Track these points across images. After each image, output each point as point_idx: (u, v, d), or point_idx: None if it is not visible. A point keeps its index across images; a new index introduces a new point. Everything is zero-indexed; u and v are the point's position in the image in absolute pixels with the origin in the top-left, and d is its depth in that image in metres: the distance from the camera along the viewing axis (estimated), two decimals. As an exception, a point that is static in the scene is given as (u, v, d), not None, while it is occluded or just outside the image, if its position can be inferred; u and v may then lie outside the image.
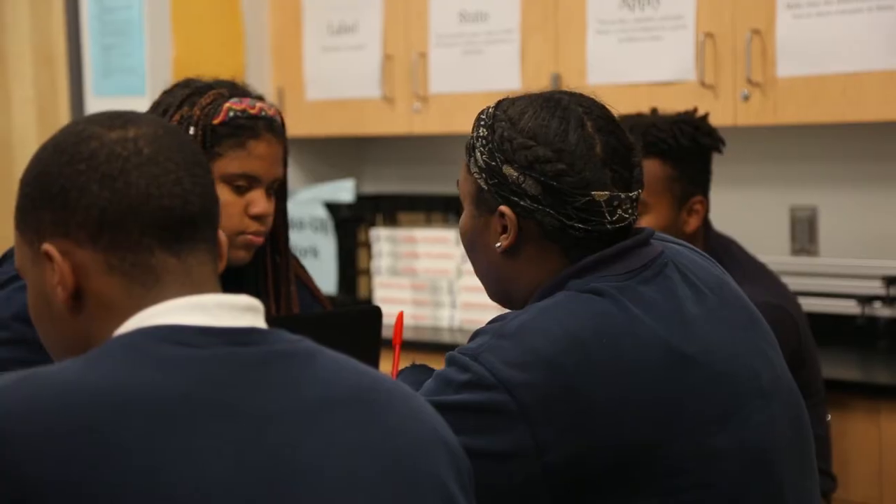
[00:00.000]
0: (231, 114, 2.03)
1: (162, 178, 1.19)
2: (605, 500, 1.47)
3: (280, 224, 2.13)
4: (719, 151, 2.70)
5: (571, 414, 1.46)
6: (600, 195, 1.54)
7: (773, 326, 2.68)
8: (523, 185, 1.55)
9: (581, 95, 1.62)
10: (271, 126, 2.06)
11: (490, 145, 1.58)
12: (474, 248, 1.64)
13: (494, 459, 1.46)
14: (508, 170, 1.56)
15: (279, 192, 2.10)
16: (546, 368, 1.47)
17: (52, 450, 1.06)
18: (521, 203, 1.56)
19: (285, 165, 2.11)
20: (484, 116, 1.62)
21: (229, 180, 2.01)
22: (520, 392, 1.46)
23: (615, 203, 1.55)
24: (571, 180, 1.54)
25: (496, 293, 1.65)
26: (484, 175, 1.59)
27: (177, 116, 2.01)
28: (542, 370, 1.47)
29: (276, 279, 2.14)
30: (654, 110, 2.74)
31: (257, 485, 1.11)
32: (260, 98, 2.11)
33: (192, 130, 2.00)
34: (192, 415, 1.11)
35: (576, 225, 1.55)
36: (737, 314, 1.62)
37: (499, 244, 1.59)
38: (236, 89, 2.10)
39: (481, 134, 1.60)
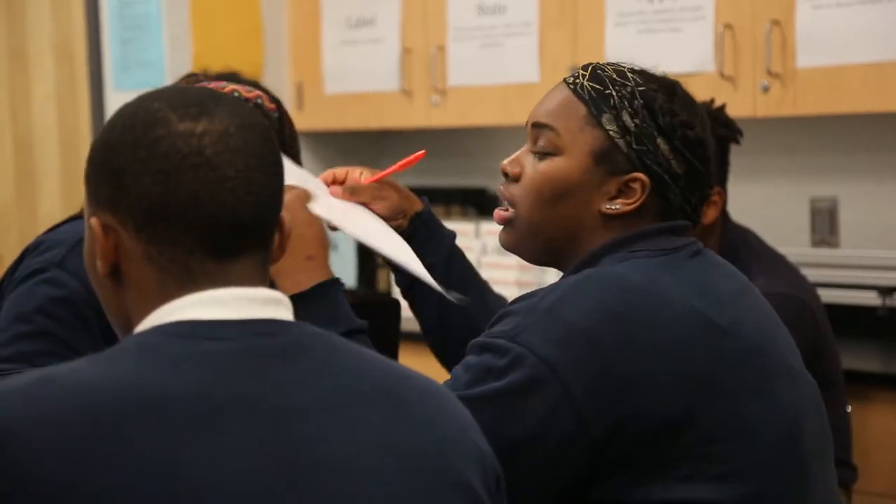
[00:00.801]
0: None
1: (215, 185, 1.17)
2: (644, 470, 1.48)
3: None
4: (737, 143, 2.70)
5: (611, 386, 1.46)
6: (710, 192, 1.65)
7: (791, 318, 2.67)
8: (672, 161, 1.58)
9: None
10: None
11: (645, 111, 1.59)
12: (563, 198, 1.60)
13: (541, 438, 1.47)
14: (663, 142, 1.58)
15: None
16: (584, 343, 1.47)
17: (66, 451, 1.05)
18: (664, 177, 1.58)
19: (286, 155, 2.06)
20: (619, 78, 1.61)
21: None
22: (561, 368, 1.46)
23: (704, 200, 1.64)
24: (708, 170, 1.61)
25: (543, 252, 1.63)
26: (628, 137, 1.58)
27: None
28: (580, 345, 1.47)
29: None
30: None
31: (279, 482, 1.10)
32: (255, 86, 2.04)
33: None
34: (211, 413, 1.10)
35: (689, 212, 1.61)
36: (762, 304, 1.65)
37: (614, 206, 1.58)
38: (229, 78, 2.06)
39: (626, 95, 1.60)
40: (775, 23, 3.19)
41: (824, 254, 3.52)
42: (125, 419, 1.07)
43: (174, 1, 4.12)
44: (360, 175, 1.85)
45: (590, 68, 1.65)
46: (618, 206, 1.58)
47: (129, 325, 1.21)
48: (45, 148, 4.45)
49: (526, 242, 1.65)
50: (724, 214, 2.67)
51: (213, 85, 1.97)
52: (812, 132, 3.55)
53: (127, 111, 1.21)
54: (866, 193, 3.49)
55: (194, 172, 1.17)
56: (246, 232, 1.19)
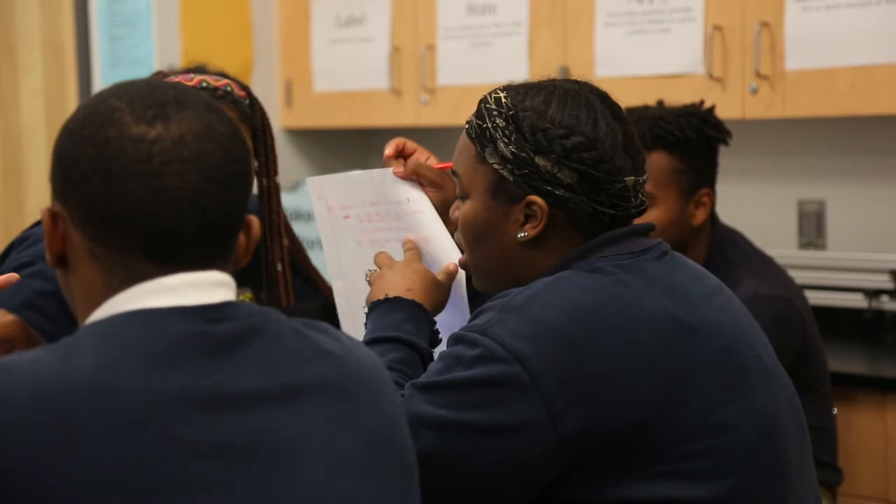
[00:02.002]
0: None
1: (158, 195, 1.15)
2: (617, 468, 1.49)
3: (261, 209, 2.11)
4: (726, 144, 2.70)
5: (582, 383, 1.47)
6: (630, 180, 1.59)
7: (779, 319, 2.68)
8: (558, 175, 1.57)
9: (586, 83, 1.65)
10: (213, 95, 1.96)
11: (516, 135, 1.59)
12: (484, 238, 1.64)
13: (510, 432, 1.48)
14: (542, 160, 1.58)
15: None
16: (555, 339, 1.48)
17: (24, 443, 1.05)
18: (556, 192, 1.58)
19: (258, 143, 2.02)
20: (495, 106, 1.62)
21: None
22: (531, 363, 1.47)
23: (638, 187, 1.61)
24: (607, 167, 1.57)
25: (505, 283, 1.65)
26: (509, 166, 1.59)
27: None
28: (551, 341, 1.48)
29: (265, 268, 2.13)
30: (660, 102, 2.74)
31: (239, 470, 1.11)
32: (223, 76, 2.02)
33: None
34: (169, 405, 1.10)
35: (607, 211, 1.58)
36: (734, 303, 1.65)
37: (523, 234, 1.60)
38: (196, 70, 2.05)
39: (499, 124, 1.60)
40: (764, 25, 3.20)
41: (811, 256, 3.53)
42: (79, 410, 1.07)
43: (163, -3, 4.11)
44: (427, 159, 1.91)
45: (479, 102, 1.66)
46: (526, 233, 1.60)
47: (82, 313, 1.20)
48: (33, 143, 4.43)
49: (484, 283, 1.70)
50: (712, 216, 2.67)
51: (180, 77, 1.96)
52: (800, 134, 3.56)
53: (91, 104, 1.20)
54: (854, 196, 3.50)
55: (138, 180, 1.15)
56: (190, 243, 1.17)
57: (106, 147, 1.16)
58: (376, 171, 1.91)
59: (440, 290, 1.79)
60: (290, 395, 1.16)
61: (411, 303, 1.73)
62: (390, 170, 1.90)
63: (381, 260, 1.84)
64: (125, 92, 1.19)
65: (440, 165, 1.89)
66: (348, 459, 1.18)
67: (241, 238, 1.23)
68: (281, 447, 1.14)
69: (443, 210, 1.88)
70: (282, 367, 1.18)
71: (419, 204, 1.88)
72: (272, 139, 2.10)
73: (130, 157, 1.15)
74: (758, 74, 3.20)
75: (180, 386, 1.11)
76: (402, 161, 1.91)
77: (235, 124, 1.22)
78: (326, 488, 1.15)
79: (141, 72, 4.11)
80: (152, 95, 1.19)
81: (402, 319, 1.71)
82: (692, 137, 2.60)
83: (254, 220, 1.24)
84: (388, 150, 1.90)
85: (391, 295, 1.74)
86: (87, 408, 1.07)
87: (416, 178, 1.89)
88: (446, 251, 1.83)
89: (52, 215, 1.20)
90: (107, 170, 1.15)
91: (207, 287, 1.18)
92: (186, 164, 1.16)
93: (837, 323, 3.38)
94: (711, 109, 2.71)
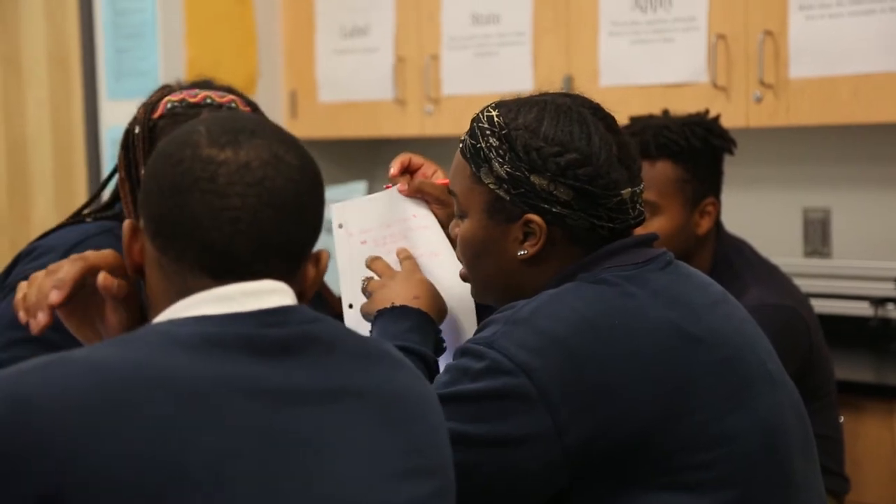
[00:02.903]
0: (169, 105, 1.96)
1: (218, 212, 1.21)
2: (622, 479, 1.49)
3: None
4: (731, 153, 2.70)
5: (587, 395, 1.47)
6: (626, 193, 1.59)
7: (785, 328, 2.67)
8: (554, 193, 1.57)
9: (578, 96, 1.65)
10: (218, 112, 1.96)
11: (510, 155, 1.58)
12: (483, 256, 1.64)
13: (516, 444, 1.48)
14: (537, 179, 1.57)
15: None
16: (561, 351, 1.48)
17: (83, 425, 1.10)
18: (553, 210, 1.57)
19: None
20: (488, 125, 1.62)
21: None
22: (537, 375, 1.47)
23: (635, 199, 1.60)
24: (603, 182, 1.57)
25: (504, 298, 1.65)
26: (505, 185, 1.59)
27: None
28: (556, 353, 1.48)
29: None
30: (665, 112, 2.74)
31: (280, 461, 1.16)
32: (230, 91, 2.04)
33: (137, 129, 1.94)
34: (223, 392, 1.15)
35: (605, 225, 1.58)
36: (739, 312, 1.65)
37: (522, 252, 1.60)
38: (202, 85, 2.05)
39: (493, 144, 1.60)
40: (768, 33, 3.20)
41: (817, 264, 3.53)
42: (136, 393, 1.13)
43: (169, 10, 4.12)
44: (433, 174, 1.91)
45: (471, 121, 1.66)
46: (526, 251, 1.60)
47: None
48: (39, 155, 4.44)
49: (485, 296, 1.70)
50: (717, 225, 2.67)
51: (184, 93, 1.97)
52: (805, 142, 3.56)
53: (182, 128, 1.29)
54: (859, 204, 3.50)
55: (201, 195, 1.22)
56: (244, 263, 1.23)
57: (178, 165, 1.23)
58: (385, 193, 1.91)
59: (443, 300, 1.80)
60: (335, 397, 1.21)
61: (418, 311, 1.74)
62: (396, 188, 1.90)
63: (380, 268, 1.84)
64: (212, 119, 1.28)
65: (445, 181, 1.89)
66: (389, 463, 1.22)
67: (310, 270, 1.29)
68: (322, 443, 1.18)
69: (448, 225, 1.87)
70: (332, 373, 1.23)
71: (425, 220, 1.89)
72: None
73: (196, 175, 1.22)
74: (762, 83, 3.21)
75: (230, 375, 1.16)
76: (407, 178, 1.91)
77: (308, 157, 1.27)
78: (365, 487, 1.19)
79: (146, 83, 4.12)
80: (231, 124, 1.27)
81: (409, 328, 1.71)
82: (697, 147, 2.60)
83: (324, 254, 1.30)
84: (394, 168, 1.90)
85: (398, 303, 1.74)
86: (143, 390, 1.13)
87: (421, 195, 1.89)
88: (454, 265, 1.84)
89: (132, 227, 1.30)
90: (173, 185, 1.23)
91: (262, 294, 1.23)
92: (249, 187, 1.22)
93: (843, 331, 3.37)
94: (716, 119, 2.71)
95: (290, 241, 1.25)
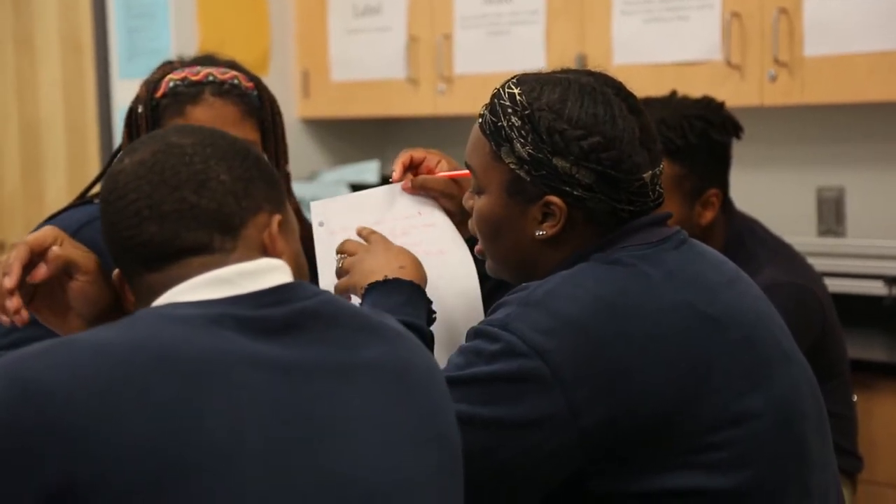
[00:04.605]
0: (171, 84, 1.95)
1: (122, 211, 1.28)
2: (639, 461, 1.49)
3: None
4: (738, 137, 2.64)
5: (603, 377, 1.47)
6: (647, 176, 1.58)
7: (798, 307, 2.66)
8: (576, 175, 1.56)
9: (601, 75, 1.63)
10: (220, 89, 1.95)
11: (533, 136, 1.56)
12: (500, 233, 1.63)
13: (531, 427, 1.48)
14: (559, 161, 1.56)
15: None
16: (575, 333, 1.48)
17: (89, 401, 1.11)
18: (574, 193, 1.56)
19: (267, 134, 1.99)
20: (510, 104, 1.59)
21: None
22: (552, 357, 1.47)
23: (655, 181, 1.59)
24: (626, 166, 1.56)
25: (519, 275, 1.64)
26: (526, 166, 1.57)
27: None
28: (571, 335, 1.48)
29: None
30: (672, 94, 2.67)
31: (290, 434, 1.16)
32: (232, 66, 2.01)
33: (140, 109, 1.94)
34: (225, 368, 1.16)
35: (625, 208, 1.57)
36: (753, 289, 1.64)
37: (541, 232, 1.59)
38: (204, 61, 2.03)
39: (515, 124, 1.58)
40: (783, 11, 3.18)
41: (830, 243, 3.52)
42: (142, 374, 1.13)
43: (180, -11, 4.11)
44: (437, 164, 1.88)
45: (492, 96, 1.64)
46: (545, 231, 1.59)
47: None
48: (52, 136, 4.45)
49: (501, 272, 1.68)
50: (729, 207, 2.64)
51: (186, 70, 1.96)
52: (819, 121, 3.55)
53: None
54: (873, 183, 3.49)
55: (106, 205, 1.30)
56: (162, 244, 1.26)
57: (113, 189, 1.34)
58: (384, 188, 1.87)
59: (422, 265, 1.76)
60: (345, 372, 1.22)
61: (409, 284, 1.70)
62: (399, 185, 1.87)
63: (351, 247, 1.78)
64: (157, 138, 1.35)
65: (448, 174, 1.86)
66: (403, 433, 1.23)
67: (261, 233, 1.29)
68: (336, 416, 1.19)
69: (459, 215, 1.85)
70: (338, 348, 1.24)
71: (431, 217, 1.86)
72: (282, 129, 2.07)
73: (109, 188, 1.33)
74: (776, 61, 3.19)
75: (235, 349, 1.17)
76: (409, 175, 1.87)
77: (211, 137, 1.31)
78: (380, 458, 1.20)
79: (158, 63, 4.12)
80: (150, 134, 1.36)
81: (403, 302, 1.68)
82: (694, 143, 2.52)
83: (274, 219, 1.31)
84: (396, 172, 1.87)
85: (390, 276, 1.70)
86: (146, 368, 1.14)
87: (425, 192, 1.86)
88: (462, 263, 1.81)
89: (120, 280, 1.40)
90: (104, 224, 1.36)
91: (259, 274, 1.25)
92: (140, 179, 1.28)
93: (857, 310, 3.36)
94: (721, 106, 2.62)
95: (203, 212, 1.26)
